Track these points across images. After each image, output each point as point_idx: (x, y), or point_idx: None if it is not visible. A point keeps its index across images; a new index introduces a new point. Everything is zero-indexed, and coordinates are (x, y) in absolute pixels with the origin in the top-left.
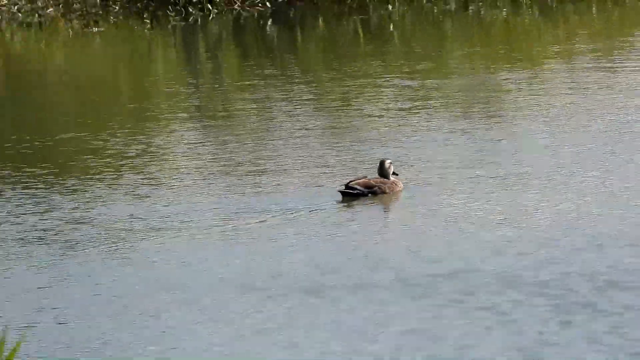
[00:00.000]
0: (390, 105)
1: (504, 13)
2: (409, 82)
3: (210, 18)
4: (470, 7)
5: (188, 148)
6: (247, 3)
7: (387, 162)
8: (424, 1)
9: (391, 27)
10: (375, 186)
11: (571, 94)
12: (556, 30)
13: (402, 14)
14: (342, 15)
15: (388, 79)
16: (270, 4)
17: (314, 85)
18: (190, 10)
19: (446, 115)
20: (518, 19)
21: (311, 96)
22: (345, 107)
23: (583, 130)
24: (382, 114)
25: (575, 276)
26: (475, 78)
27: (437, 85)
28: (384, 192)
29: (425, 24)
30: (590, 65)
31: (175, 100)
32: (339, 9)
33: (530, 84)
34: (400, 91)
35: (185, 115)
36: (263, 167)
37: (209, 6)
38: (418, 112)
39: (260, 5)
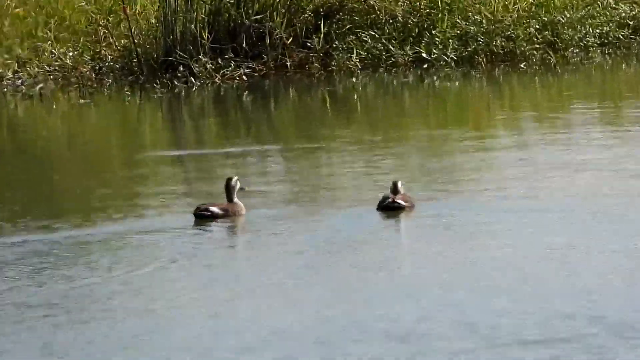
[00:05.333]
0: (353, 166)
1: (456, 85)
2: (369, 148)
3: (193, 90)
4: (426, 80)
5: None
6: (226, 77)
7: (400, 182)
8: (385, 74)
9: (355, 97)
10: (408, 201)
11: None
12: (502, 99)
13: (364, 85)
14: (312, 87)
15: (348, 146)
16: (247, 77)
17: (281, 148)
18: (175, 82)
19: (403, 174)
20: (468, 89)
21: (281, 160)
22: (313, 170)
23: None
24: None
25: None
26: (428, 143)
27: (397, 149)
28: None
29: (386, 94)
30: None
31: (158, 164)
32: (309, 81)
33: (482, 145)
34: (361, 156)
35: (165, 179)
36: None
37: (192, 79)
38: (384, 173)
39: (237, 78)
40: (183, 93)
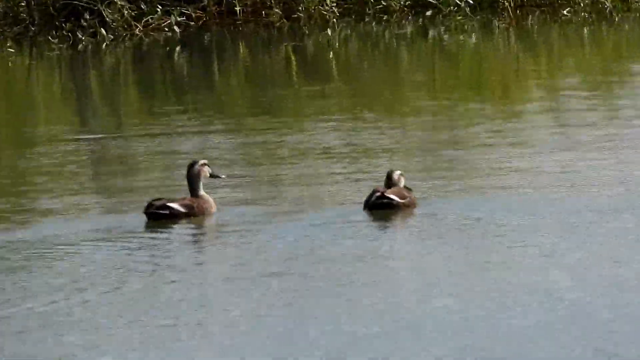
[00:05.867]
0: (331, 153)
1: (472, 40)
2: (352, 127)
3: (104, 45)
4: (430, 32)
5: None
6: (150, 27)
7: (397, 172)
8: (373, 25)
9: (330, 56)
10: (407, 197)
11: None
12: (536, 61)
13: (344, 39)
14: (270, 42)
15: (324, 126)
16: (180, 27)
17: (232, 130)
18: (80, 35)
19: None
20: (489, 46)
21: (229, 145)
22: (270, 159)
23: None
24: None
25: None
26: (433, 121)
27: (389, 129)
28: (413, 205)
29: (374, 53)
30: (577, 107)
31: (60, 151)
32: (267, 33)
33: (503, 131)
34: (341, 138)
35: (73, 170)
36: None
37: (103, 31)
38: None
39: (166, 29)
40: (90, 50)
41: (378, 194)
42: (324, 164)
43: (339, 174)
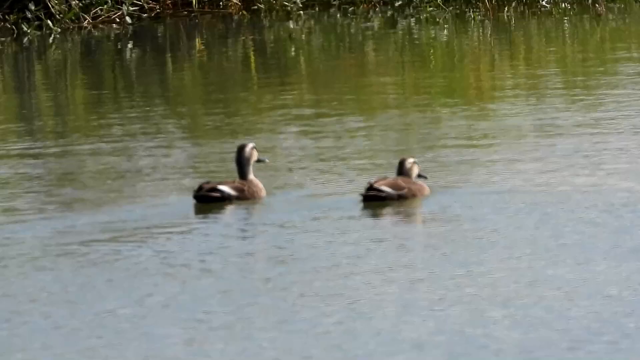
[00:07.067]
0: (294, 150)
1: (445, 33)
2: (317, 127)
3: (51, 39)
4: (399, 25)
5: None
6: (100, 19)
7: (410, 160)
8: (338, 17)
9: (293, 50)
10: (405, 188)
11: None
12: (514, 56)
13: (308, 32)
14: (228, 35)
15: (284, 128)
16: (132, 19)
17: (187, 130)
18: (24, 28)
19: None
20: (463, 40)
21: (184, 146)
22: (223, 160)
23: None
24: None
25: None
26: (402, 119)
27: (356, 127)
28: (414, 195)
29: (339, 47)
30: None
31: (1, 157)
32: (224, 26)
33: (472, 128)
34: (301, 148)
35: (19, 175)
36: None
37: (50, 23)
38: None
39: (118, 21)
40: (36, 45)
41: (368, 186)
42: (291, 163)
43: (319, 177)
